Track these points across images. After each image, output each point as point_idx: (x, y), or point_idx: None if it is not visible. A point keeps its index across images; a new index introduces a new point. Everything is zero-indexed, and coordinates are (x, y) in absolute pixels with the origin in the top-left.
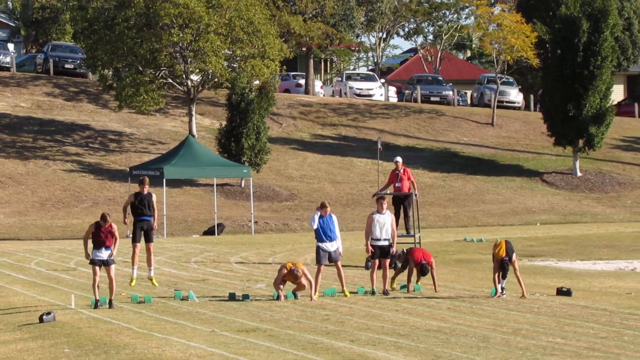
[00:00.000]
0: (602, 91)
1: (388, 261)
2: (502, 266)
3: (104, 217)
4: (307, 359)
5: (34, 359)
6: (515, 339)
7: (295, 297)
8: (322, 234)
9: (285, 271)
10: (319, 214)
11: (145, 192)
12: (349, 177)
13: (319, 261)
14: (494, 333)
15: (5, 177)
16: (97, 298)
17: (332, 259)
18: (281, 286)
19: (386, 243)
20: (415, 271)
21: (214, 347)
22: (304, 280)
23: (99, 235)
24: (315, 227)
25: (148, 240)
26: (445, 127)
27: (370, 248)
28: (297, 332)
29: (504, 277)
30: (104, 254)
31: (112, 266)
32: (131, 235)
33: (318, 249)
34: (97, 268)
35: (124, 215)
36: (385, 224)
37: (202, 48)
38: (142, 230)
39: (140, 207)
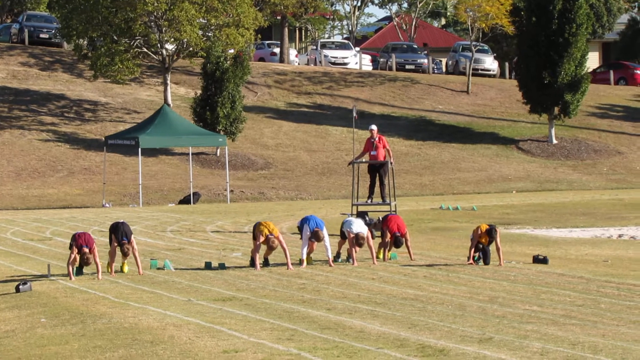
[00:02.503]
0: (577, 58)
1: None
2: (479, 249)
3: (85, 258)
4: (283, 328)
5: (11, 329)
6: (492, 307)
7: (266, 264)
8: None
9: (262, 238)
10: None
11: None
12: (325, 146)
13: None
14: (470, 301)
15: None
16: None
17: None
18: (257, 257)
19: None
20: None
21: (190, 316)
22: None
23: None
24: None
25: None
26: (421, 95)
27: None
28: (273, 300)
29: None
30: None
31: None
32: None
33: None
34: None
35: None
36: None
37: (176, 17)
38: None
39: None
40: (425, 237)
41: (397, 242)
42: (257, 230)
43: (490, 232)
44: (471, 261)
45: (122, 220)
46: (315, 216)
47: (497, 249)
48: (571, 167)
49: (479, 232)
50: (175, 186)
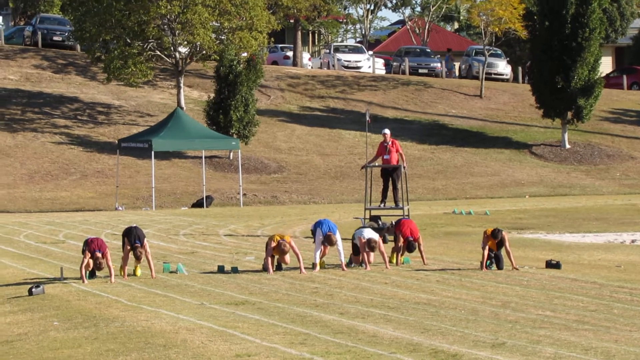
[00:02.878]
0: (591, 63)
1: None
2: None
3: (97, 264)
4: (296, 332)
5: (23, 332)
6: (505, 312)
7: (279, 268)
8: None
9: (274, 244)
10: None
11: None
12: (337, 150)
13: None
14: (483, 306)
15: None
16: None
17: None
18: (269, 262)
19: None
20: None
21: (202, 320)
22: (287, 258)
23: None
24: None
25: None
26: (434, 99)
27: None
28: (286, 304)
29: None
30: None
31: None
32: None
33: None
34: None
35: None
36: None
37: (190, 20)
38: None
39: None
40: (438, 242)
41: (410, 246)
42: (269, 240)
43: (495, 234)
44: (484, 268)
45: (135, 225)
46: (329, 220)
47: (507, 253)
48: (584, 172)
49: (487, 236)
50: (188, 189)
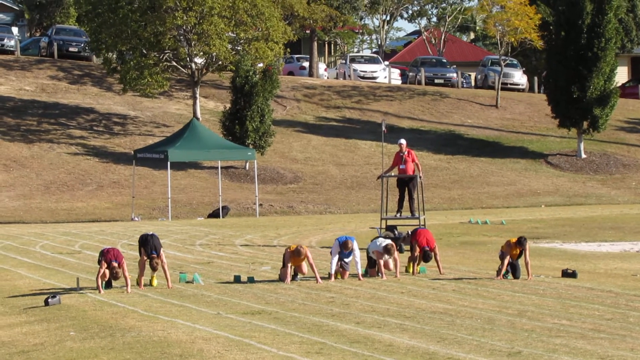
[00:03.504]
0: (606, 73)
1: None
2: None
3: (114, 275)
4: (312, 341)
5: (40, 342)
6: (521, 321)
7: (295, 277)
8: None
9: (290, 251)
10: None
11: None
12: (354, 160)
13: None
14: (499, 315)
15: (10, 161)
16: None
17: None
18: (289, 272)
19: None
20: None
21: (219, 330)
22: (304, 267)
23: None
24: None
25: None
26: (449, 109)
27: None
28: (302, 314)
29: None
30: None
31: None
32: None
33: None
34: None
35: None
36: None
37: (206, 31)
38: None
39: None
40: (454, 251)
41: (426, 256)
42: (285, 250)
43: (520, 241)
44: (500, 277)
45: (152, 233)
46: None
47: (526, 263)
48: (600, 182)
49: (510, 244)
50: (205, 200)
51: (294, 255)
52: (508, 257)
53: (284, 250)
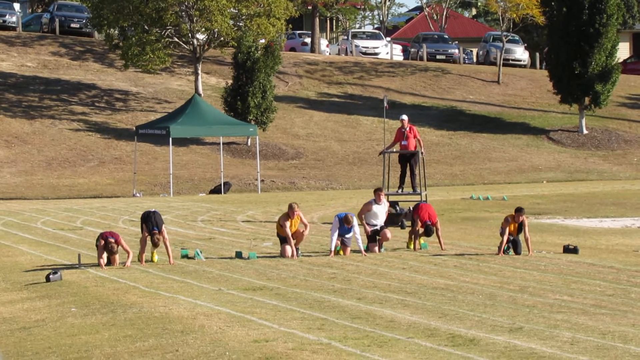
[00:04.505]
0: (608, 49)
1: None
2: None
3: (110, 251)
4: (314, 317)
5: (41, 318)
6: (522, 297)
7: (297, 252)
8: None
9: (283, 214)
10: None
11: None
12: (355, 136)
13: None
14: (501, 291)
15: (12, 137)
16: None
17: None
18: (289, 232)
19: (379, 226)
20: (420, 230)
21: (220, 306)
22: (300, 227)
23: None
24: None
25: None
26: (451, 85)
27: (367, 229)
28: (303, 290)
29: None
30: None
31: (115, 256)
32: None
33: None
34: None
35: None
36: (380, 214)
37: (207, 7)
38: None
39: None
40: (455, 227)
41: (428, 230)
42: (279, 219)
43: (518, 209)
44: (501, 252)
45: (153, 209)
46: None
47: (526, 239)
48: (601, 158)
49: (508, 220)
50: (206, 176)
51: (288, 216)
52: (507, 232)
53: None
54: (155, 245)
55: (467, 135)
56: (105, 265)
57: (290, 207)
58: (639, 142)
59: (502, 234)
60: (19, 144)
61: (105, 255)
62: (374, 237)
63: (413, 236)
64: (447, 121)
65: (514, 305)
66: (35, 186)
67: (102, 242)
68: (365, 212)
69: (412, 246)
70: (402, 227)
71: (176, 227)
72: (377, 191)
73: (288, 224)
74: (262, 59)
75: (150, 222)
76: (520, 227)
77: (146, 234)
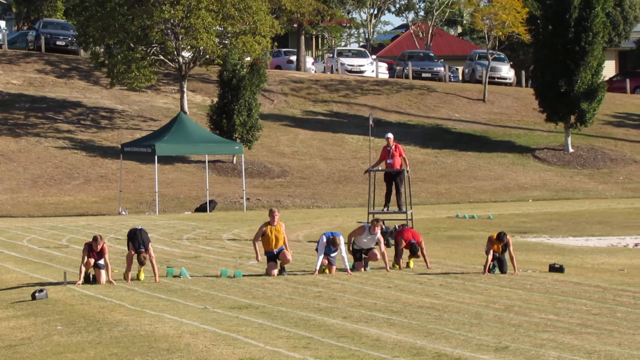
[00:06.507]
0: (594, 67)
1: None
2: (495, 257)
3: (95, 239)
4: (299, 336)
5: (27, 336)
6: (508, 316)
7: (282, 271)
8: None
9: (264, 227)
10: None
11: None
12: (341, 154)
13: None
14: (487, 310)
15: None
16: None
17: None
18: (257, 246)
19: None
20: (405, 251)
21: (206, 324)
22: (289, 256)
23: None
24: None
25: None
26: (437, 103)
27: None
28: (289, 309)
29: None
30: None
31: (102, 271)
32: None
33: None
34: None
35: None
36: (370, 243)
37: (193, 25)
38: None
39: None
40: (441, 246)
41: (412, 248)
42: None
43: (500, 236)
44: (486, 272)
45: (140, 227)
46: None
47: (511, 258)
48: (587, 176)
49: (492, 240)
50: (192, 194)
51: (267, 223)
52: (492, 252)
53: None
54: (141, 264)
55: (453, 154)
56: (92, 282)
57: (271, 211)
58: (625, 161)
59: (487, 253)
60: (5, 161)
61: (102, 270)
62: (360, 257)
63: (396, 256)
64: (432, 139)
65: (500, 324)
66: (21, 204)
67: (87, 250)
68: (357, 235)
69: (397, 266)
70: (388, 245)
71: (162, 245)
72: (375, 222)
73: (265, 229)
74: (247, 77)
75: (137, 241)
76: (505, 248)
77: (132, 253)
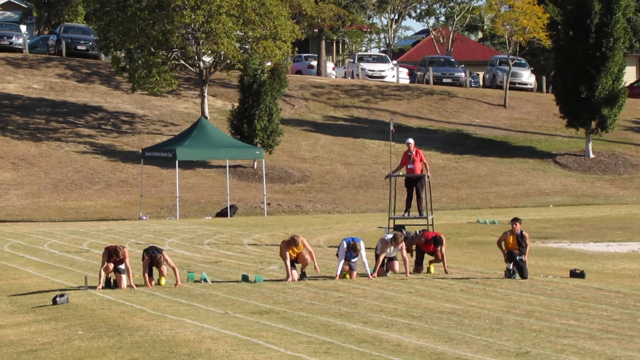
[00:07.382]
0: (615, 73)
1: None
2: (513, 257)
3: (116, 251)
4: (320, 341)
5: (48, 341)
6: (529, 321)
7: (303, 276)
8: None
9: (285, 241)
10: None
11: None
12: (362, 159)
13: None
14: (507, 315)
15: (18, 159)
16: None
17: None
18: (288, 263)
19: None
20: (427, 256)
21: (227, 329)
22: (305, 253)
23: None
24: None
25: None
26: (458, 109)
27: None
28: (310, 314)
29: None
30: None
31: (122, 275)
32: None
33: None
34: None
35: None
36: (392, 254)
37: (214, 29)
38: None
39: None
40: (462, 251)
41: (436, 242)
42: (281, 245)
43: (515, 218)
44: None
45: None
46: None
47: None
48: (608, 182)
49: (507, 232)
50: (213, 199)
51: (290, 245)
52: (503, 243)
53: (280, 244)
54: (158, 265)
55: (474, 159)
56: (112, 287)
57: (294, 241)
58: None
59: (498, 244)
60: (26, 166)
61: (123, 275)
62: (383, 263)
63: (417, 264)
64: (453, 145)
65: (521, 330)
66: (41, 208)
67: (147, 258)
68: (383, 251)
69: (432, 270)
70: (409, 251)
71: (182, 250)
72: (396, 238)
73: (288, 253)
74: (268, 82)
75: (150, 248)
76: (519, 240)
77: (147, 258)
